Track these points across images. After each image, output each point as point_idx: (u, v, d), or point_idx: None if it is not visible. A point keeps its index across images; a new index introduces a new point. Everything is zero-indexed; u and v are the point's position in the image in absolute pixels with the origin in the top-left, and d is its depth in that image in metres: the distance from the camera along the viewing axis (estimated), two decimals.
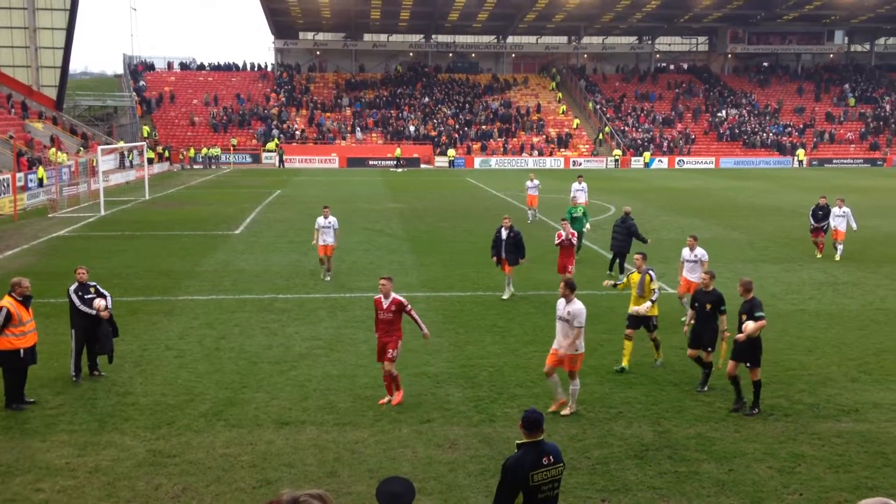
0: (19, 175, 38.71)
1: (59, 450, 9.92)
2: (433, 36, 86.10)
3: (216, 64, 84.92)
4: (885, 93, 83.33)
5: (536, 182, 31.94)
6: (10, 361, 11.23)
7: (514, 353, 13.92)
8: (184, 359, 13.56)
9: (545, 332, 15.17)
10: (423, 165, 68.80)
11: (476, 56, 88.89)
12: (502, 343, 14.57)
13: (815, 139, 74.76)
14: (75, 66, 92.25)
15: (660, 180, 54.26)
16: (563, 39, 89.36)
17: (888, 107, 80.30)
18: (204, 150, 66.63)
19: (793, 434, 10.45)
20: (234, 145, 69.01)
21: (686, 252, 15.96)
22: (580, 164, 69.76)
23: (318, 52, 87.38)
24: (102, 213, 33.54)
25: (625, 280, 13.42)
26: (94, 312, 12.32)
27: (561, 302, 11.04)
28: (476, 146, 71.67)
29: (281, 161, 67.14)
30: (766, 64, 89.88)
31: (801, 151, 71.37)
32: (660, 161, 70.52)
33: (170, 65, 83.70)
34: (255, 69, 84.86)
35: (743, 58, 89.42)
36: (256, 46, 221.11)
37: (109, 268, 21.15)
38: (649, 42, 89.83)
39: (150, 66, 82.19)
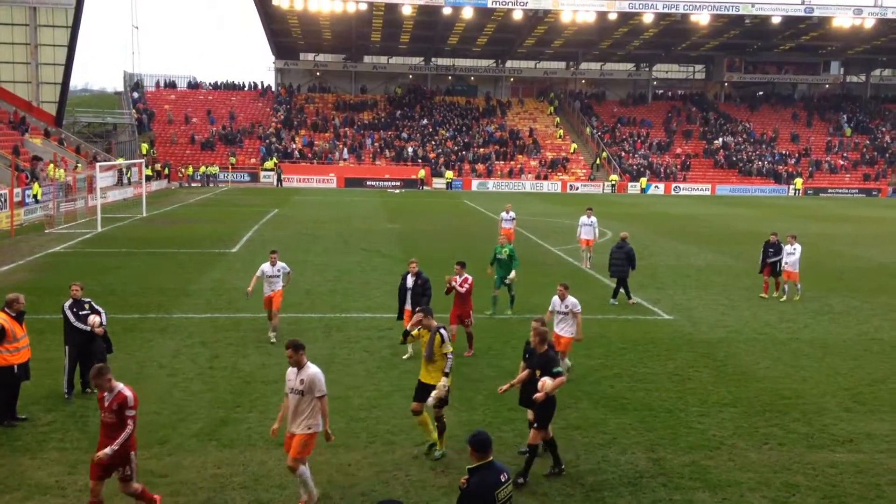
0: (16, 191, 38.70)
1: (50, 468, 9.85)
2: (433, 59, 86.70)
3: (216, 83, 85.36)
4: (881, 124, 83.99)
5: (512, 214, 28.81)
6: (3, 377, 11.17)
7: (510, 376, 13.79)
8: (177, 377, 13.50)
9: None
10: (420, 188, 68.97)
11: (475, 79, 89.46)
12: (497, 366, 14.54)
13: (810, 168, 75.17)
14: (76, 83, 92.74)
15: (656, 206, 54.45)
16: (562, 65, 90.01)
17: (888, 138, 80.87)
18: (202, 168, 66.78)
19: (787, 464, 10.42)
20: (232, 163, 69.17)
21: (556, 302, 13.52)
22: (577, 189, 70.10)
23: (318, 73, 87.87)
24: (99, 229, 33.51)
25: (414, 333, 10.78)
26: (88, 329, 12.29)
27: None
28: (480, 168, 71.88)
29: (279, 180, 67.27)
30: (760, 93, 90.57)
31: (798, 180, 71.76)
32: (656, 187, 70.85)
33: (170, 83, 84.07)
34: (255, 88, 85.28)
35: (739, 86, 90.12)
36: (257, 66, 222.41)
37: (105, 284, 21.11)
38: (647, 69, 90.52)
39: (151, 84, 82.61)
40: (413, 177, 69.58)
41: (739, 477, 9.97)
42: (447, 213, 46.16)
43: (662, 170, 73.20)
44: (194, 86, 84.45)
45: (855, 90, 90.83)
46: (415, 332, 10.79)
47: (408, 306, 14.76)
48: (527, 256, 28.37)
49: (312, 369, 8.97)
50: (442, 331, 10.38)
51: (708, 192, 70.68)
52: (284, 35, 79.55)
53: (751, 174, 74.31)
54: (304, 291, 21.10)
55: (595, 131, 79.07)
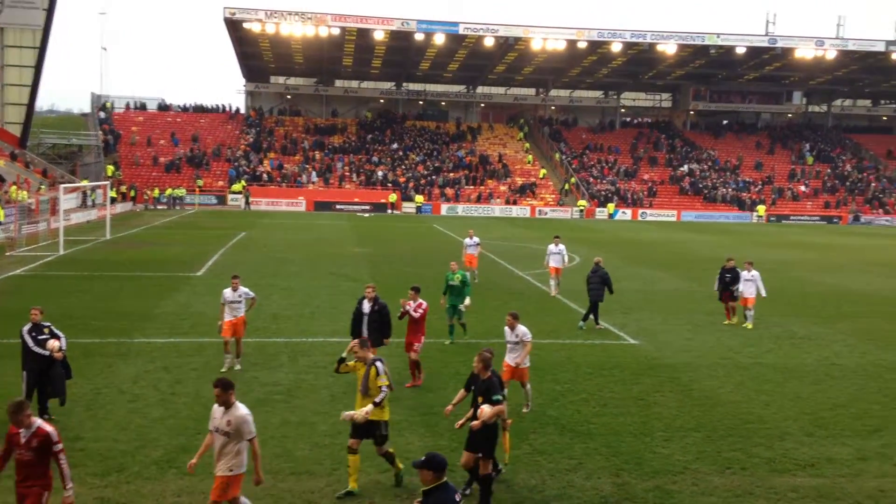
0: None
1: (4, 496, 9.58)
2: (404, 84, 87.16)
3: (186, 105, 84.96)
4: (842, 153, 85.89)
5: (476, 240, 28.20)
6: None
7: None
8: (137, 403, 13.27)
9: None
10: (388, 211, 69.05)
11: (446, 105, 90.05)
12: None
13: (773, 195, 76.51)
14: (42, 104, 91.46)
15: (623, 232, 54.98)
16: (532, 91, 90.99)
17: (848, 166, 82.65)
18: (168, 191, 66.21)
19: (749, 488, 10.48)
20: (199, 186, 68.67)
21: (506, 332, 13.18)
22: (546, 214, 70.63)
23: (288, 96, 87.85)
24: (62, 252, 32.98)
25: (350, 364, 10.51)
26: (47, 353, 12.05)
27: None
28: (450, 192, 72.15)
29: (247, 203, 66.90)
30: (725, 121, 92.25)
31: (761, 207, 73.01)
32: (624, 212, 71.62)
33: (141, 105, 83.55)
34: (225, 111, 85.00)
35: (704, 114, 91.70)
36: (227, 89, 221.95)
37: (65, 308, 20.74)
38: (615, 97, 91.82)
39: (121, 106, 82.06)
40: (383, 200, 69.64)
41: (703, 501, 10.02)
42: (416, 237, 46.17)
43: (630, 196, 74.04)
44: (164, 108, 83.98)
45: (816, 119, 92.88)
46: (350, 363, 10.40)
47: (364, 333, 14.21)
48: (496, 281, 28.47)
49: (241, 411, 8.38)
50: (378, 363, 9.94)
51: (674, 219, 71.58)
52: (255, 58, 79.52)
53: (715, 201, 75.42)
54: (271, 315, 20.92)
55: (564, 157, 79.85)
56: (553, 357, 17.23)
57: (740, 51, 70.97)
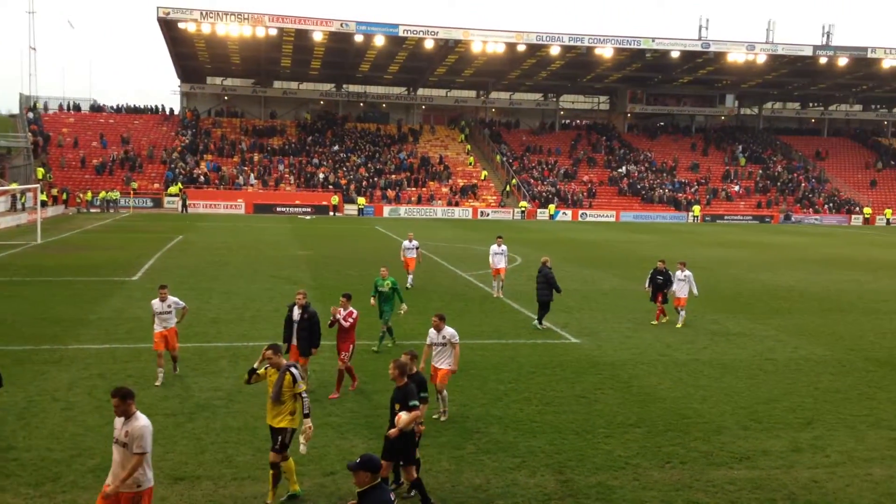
0: None
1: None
2: (344, 85, 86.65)
3: (119, 106, 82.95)
4: (773, 154, 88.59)
5: (415, 243, 27.33)
6: None
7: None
8: (72, 411, 12.89)
9: (452, 380, 15.16)
10: (330, 213, 68.56)
11: (387, 107, 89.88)
12: None
13: (708, 196, 78.44)
14: None
15: (564, 232, 55.67)
16: (473, 93, 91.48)
17: (779, 167, 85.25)
18: (102, 194, 64.52)
19: (689, 482, 10.71)
20: (133, 189, 67.09)
21: (432, 334, 12.97)
22: (488, 215, 71.08)
23: (226, 97, 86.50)
24: None
25: (261, 372, 10.12)
26: None
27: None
28: (392, 194, 71.99)
29: (184, 206, 65.64)
30: (661, 123, 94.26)
31: (696, 207, 74.77)
32: (564, 213, 72.55)
33: (76, 106, 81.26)
34: (160, 112, 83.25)
35: (641, 117, 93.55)
36: (162, 90, 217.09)
37: None
38: (554, 99, 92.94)
39: (54, 107, 79.73)
40: (324, 203, 69.13)
41: (644, 496, 10.19)
42: (358, 239, 45.94)
43: (570, 197, 75.04)
44: (96, 109, 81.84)
45: (748, 122, 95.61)
46: (261, 370, 10.01)
47: (294, 341, 14.01)
48: (439, 282, 28.52)
49: (140, 422, 7.68)
50: (293, 370, 9.66)
51: (613, 219, 72.81)
52: (191, 59, 78.04)
53: (652, 201, 76.97)
54: (210, 320, 20.56)
55: (505, 159, 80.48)
56: (496, 357, 17.35)
57: (675, 55, 72.58)
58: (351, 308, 14.53)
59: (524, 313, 22.58)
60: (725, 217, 75.84)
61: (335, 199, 69.07)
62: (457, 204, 72.61)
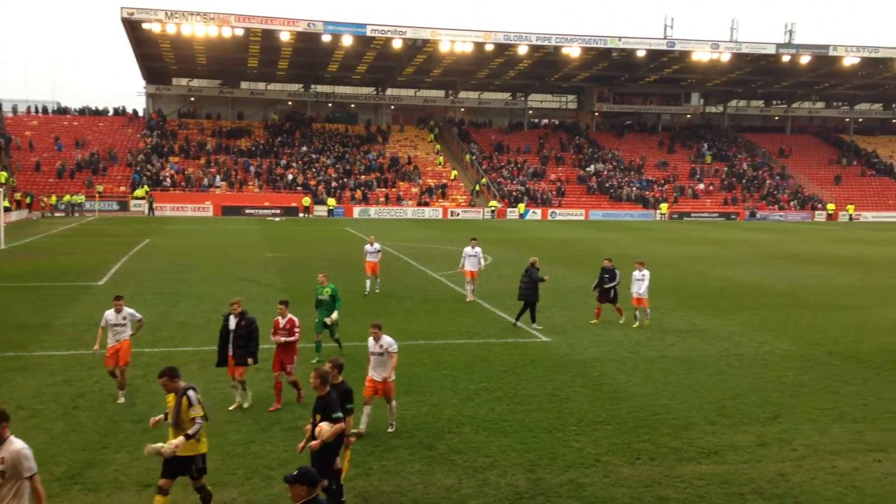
0: None
1: None
2: (312, 86, 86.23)
3: (84, 108, 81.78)
4: (738, 151, 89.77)
5: (377, 246, 25.95)
6: None
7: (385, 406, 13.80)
8: (38, 419, 12.70)
9: (424, 381, 15.23)
10: (301, 215, 68.21)
11: (355, 107, 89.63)
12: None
13: (675, 194, 79.28)
14: None
15: (534, 231, 55.93)
16: (441, 93, 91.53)
17: (744, 165, 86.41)
18: (66, 197, 63.55)
19: (658, 477, 10.83)
20: (99, 192, 66.18)
21: (371, 343, 12.44)
22: (458, 215, 71.17)
23: (192, 99, 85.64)
24: None
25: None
26: None
27: None
28: (359, 195, 71.78)
29: (151, 209, 64.89)
30: (628, 122, 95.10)
31: (664, 205, 75.54)
32: (534, 212, 72.90)
33: (43, 108, 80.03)
34: (125, 113, 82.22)
35: (609, 116, 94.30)
36: (127, 92, 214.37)
37: None
38: (522, 98, 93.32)
39: (20, 110, 78.54)
40: (294, 204, 68.73)
41: (614, 493, 10.29)
42: (329, 240, 45.75)
43: (539, 196, 75.40)
44: (61, 111, 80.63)
45: (713, 120, 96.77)
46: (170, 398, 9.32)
47: (231, 351, 13.33)
48: (409, 283, 28.50)
49: (16, 445, 7.18)
50: (190, 392, 9.14)
51: (582, 217, 73.33)
52: (156, 60, 77.15)
53: (621, 199, 77.63)
54: (179, 324, 20.35)
55: (474, 158, 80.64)
56: (467, 356, 17.39)
57: (641, 54, 73.23)
58: (290, 315, 13.83)
59: (495, 313, 22.65)
60: (692, 214, 76.71)
61: (307, 201, 68.69)
62: (427, 204, 72.61)
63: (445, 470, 10.92)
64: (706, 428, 12.89)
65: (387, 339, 12.41)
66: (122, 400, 13.68)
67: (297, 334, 13.87)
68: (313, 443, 8.96)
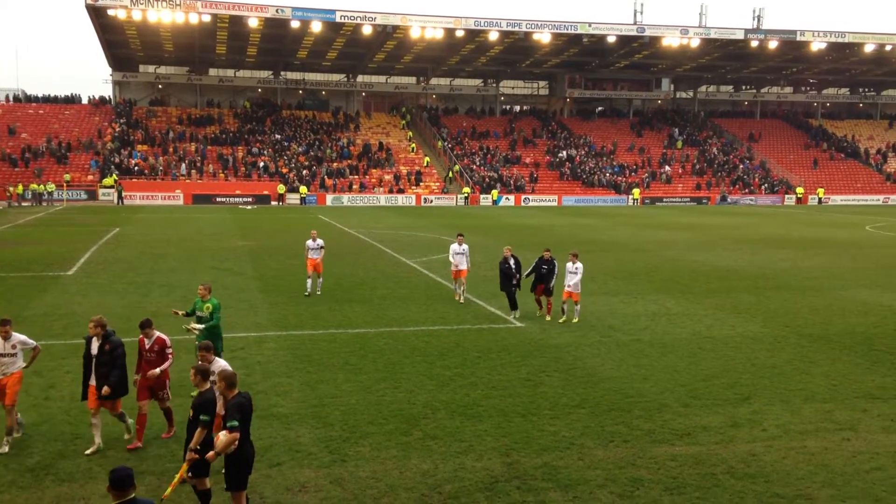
0: None
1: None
2: (282, 73, 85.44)
3: (49, 95, 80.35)
4: (708, 136, 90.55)
5: (320, 242, 23.58)
6: None
7: (367, 391, 13.82)
8: None
9: (399, 368, 15.23)
10: (273, 203, 67.72)
11: (326, 94, 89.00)
12: (355, 380, 14.43)
13: (647, 179, 79.81)
14: None
15: (507, 217, 56.04)
16: (413, 80, 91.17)
17: (715, 149, 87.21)
18: (33, 186, 62.53)
19: (632, 459, 10.95)
20: (67, 181, 65.19)
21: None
22: (431, 202, 71.06)
23: (160, 86, 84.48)
24: None
25: None
26: None
27: None
28: (329, 182, 71.39)
29: (120, 198, 64.06)
30: (600, 108, 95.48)
31: (636, 190, 76.04)
32: (507, 199, 73.00)
33: (1, 98, 78.62)
34: (91, 101, 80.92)
35: (580, 102, 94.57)
36: (94, 79, 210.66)
37: None
38: (494, 85, 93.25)
39: None
40: (265, 192, 68.21)
41: (588, 475, 10.38)
42: (301, 229, 45.45)
43: (512, 182, 75.52)
44: (26, 99, 79.14)
45: (684, 105, 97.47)
46: None
47: (92, 381, 11.07)
48: (383, 270, 28.44)
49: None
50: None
51: (555, 203, 73.57)
52: (122, 46, 75.93)
53: (593, 185, 78.00)
54: (150, 314, 20.02)
55: (446, 145, 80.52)
56: (442, 342, 17.42)
57: (611, 39, 73.41)
58: (158, 333, 11.73)
59: (469, 298, 22.67)
60: (664, 199, 77.29)
61: (281, 188, 68.18)
62: (400, 191, 72.42)
63: (421, 455, 10.95)
64: (679, 410, 13.04)
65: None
66: (4, 449, 10.83)
67: (170, 356, 11.67)
68: (209, 454, 8.53)
